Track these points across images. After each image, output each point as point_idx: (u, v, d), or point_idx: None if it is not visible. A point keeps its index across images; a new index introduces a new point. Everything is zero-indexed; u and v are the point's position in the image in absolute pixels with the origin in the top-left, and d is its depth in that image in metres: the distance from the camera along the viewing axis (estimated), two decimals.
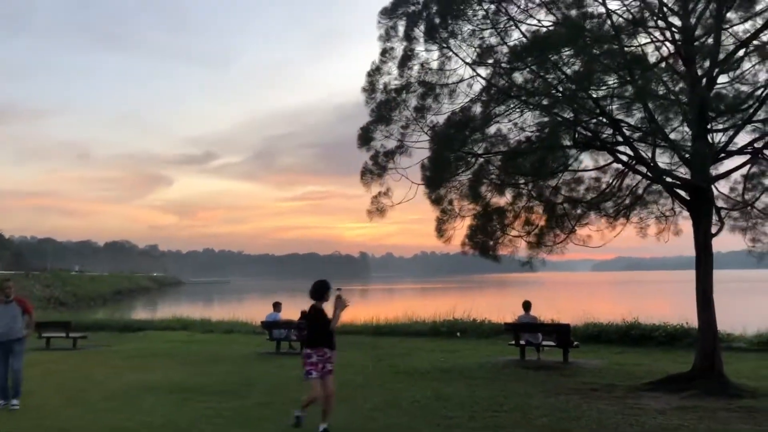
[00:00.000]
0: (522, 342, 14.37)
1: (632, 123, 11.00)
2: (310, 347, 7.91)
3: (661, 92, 10.12)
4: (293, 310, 20.12)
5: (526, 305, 14.83)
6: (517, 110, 10.94)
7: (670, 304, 40.40)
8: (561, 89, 10.53)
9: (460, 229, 11.73)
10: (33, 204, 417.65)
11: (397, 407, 9.64)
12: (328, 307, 8.11)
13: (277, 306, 17.77)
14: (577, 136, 10.30)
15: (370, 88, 11.49)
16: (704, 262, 10.82)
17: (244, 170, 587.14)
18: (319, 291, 8.02)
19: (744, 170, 11.90)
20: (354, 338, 20.41)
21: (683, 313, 20.42)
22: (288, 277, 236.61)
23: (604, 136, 11.11)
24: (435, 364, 14.12)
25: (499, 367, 13.57)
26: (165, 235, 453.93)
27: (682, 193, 11.19)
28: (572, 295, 68.70)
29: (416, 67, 11.86)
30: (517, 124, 11.06)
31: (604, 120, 10.84)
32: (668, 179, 10.98)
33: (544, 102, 10.17)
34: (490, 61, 10.86)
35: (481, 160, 11.14)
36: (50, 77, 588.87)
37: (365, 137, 11.45)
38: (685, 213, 13.18)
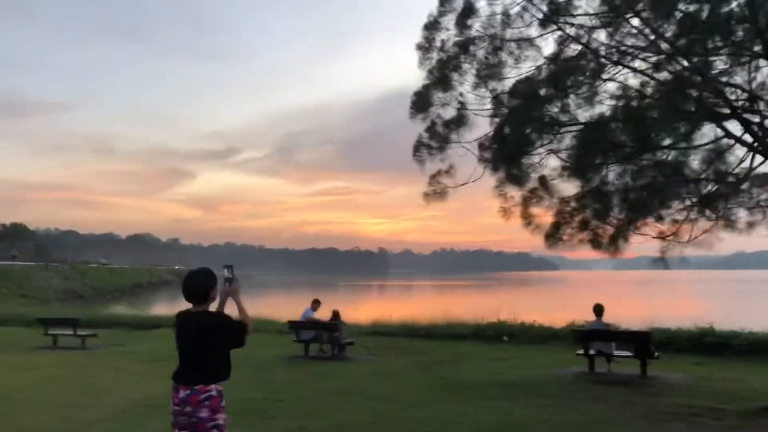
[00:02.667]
0: (592, 352, 12.36)
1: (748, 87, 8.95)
2: (178, 382, 4.32)
3: None
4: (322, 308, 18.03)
5: (598, 310, 12.77)
6: (610, 71, 8.95)
7: (731, 307, 37.61)
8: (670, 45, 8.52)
9: (545, 216, 9.67)
10: (55, 197, 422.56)
11: None
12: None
13: (315, 303, 15.88)
14: (688, 103, 8.23)
15: (427, 45, 9.54)
16: None
17: (265, 165, 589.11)
18: (199, 288, 4.35)
19: None
20: (388, 340, 18.54)
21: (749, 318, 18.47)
22: (308, 272, 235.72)
23: (714, 102, 9.02)
24: (491, 376, 12.18)
25: (568, 382, 11.59)
26: (187, 228, 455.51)
27: None
28: (611, 295, 65.37)
29: (479, 23, 9.89)
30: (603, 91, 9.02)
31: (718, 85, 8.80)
32: None
33: (652, 59, 8.15)
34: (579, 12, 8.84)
35: (571, 129, 9.10)
36: (71, 72, 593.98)
37: (421, 103, 9.47)
38: None
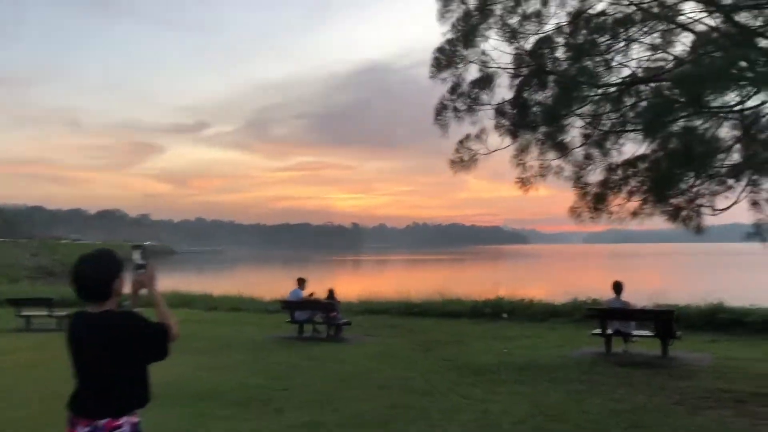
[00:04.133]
0: (610, 331, 11.67)
1: None
2: (76, 413, 3.08)
3: None
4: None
5: (617, 287, 12.07)
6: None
7: (729, 281, 36.71)
8: None
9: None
10: (24, 171, 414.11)
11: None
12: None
13: (301, 282, 14.99)
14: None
15: None
16: None
17: (236, 140, 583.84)
18: (96, 280, 3.11)
19: None
20: (383, 319, 17.76)
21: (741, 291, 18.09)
22: (280, 248, 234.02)
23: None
24: (501, 358, 11.43)
25: (587, 364, 10.88)
26: (157, 203, 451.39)
27: None
28: (600, 269, 64.30)
29: None
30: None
31: None
32: None
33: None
34: None
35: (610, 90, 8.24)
36: (37, 43, 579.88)
37: (444, 60, 8.51)
38: None
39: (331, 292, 14.69)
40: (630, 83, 8.58)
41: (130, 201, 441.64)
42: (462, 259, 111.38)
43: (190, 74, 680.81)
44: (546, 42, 9.28)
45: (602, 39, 9.18)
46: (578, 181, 8.88)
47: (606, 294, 17.60)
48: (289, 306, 14.65)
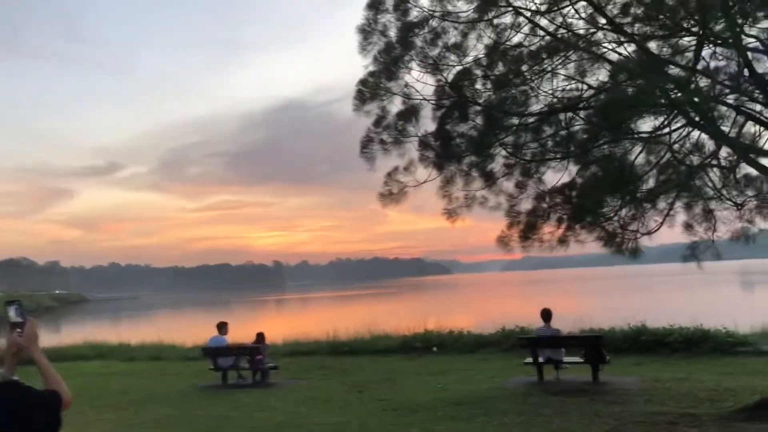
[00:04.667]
0: (541, 360, 11.65)
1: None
2: None
3: None
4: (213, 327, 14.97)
5: (546, 315, 12.10)
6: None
7: (647, 303, 37.80)
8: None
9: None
10: None
11: None
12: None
13: (222, 327, 14.21)
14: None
15: (369, 28, 8.44)
16: None
17: (150, 181, 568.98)
18: None
19: None
20: (311, 360, 17.22)
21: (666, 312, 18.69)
22: (199, 290, 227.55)
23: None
24: (436, 394, 11.20)
25: (522, 395, 10.80)
26: (68, 250, 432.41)
27: None
28: (517, 297, 65.38)
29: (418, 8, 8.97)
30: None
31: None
32: None
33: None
34: None
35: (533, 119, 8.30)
36: None
37: (367, 93, 8.34)
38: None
39: (259, 336, 14.06)
40: (548, 112, 8.70)
41: (37, 249, 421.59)
42: (386, 293, 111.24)
43: (102, 116, 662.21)
44: (466, 74, 9.30)
45: (520, 70, 9.28)
46: (511, 210, 8.85)
47: (533, 321, 17.79)
48: (212, 353, 13.92)
